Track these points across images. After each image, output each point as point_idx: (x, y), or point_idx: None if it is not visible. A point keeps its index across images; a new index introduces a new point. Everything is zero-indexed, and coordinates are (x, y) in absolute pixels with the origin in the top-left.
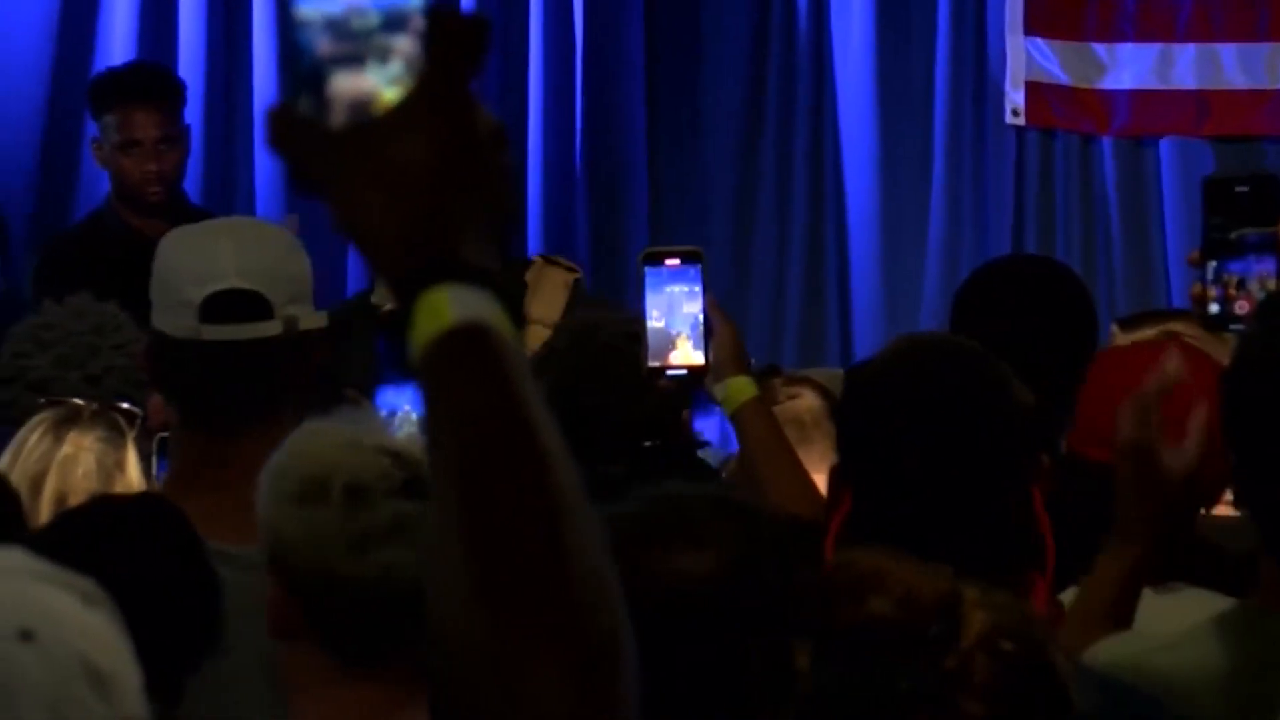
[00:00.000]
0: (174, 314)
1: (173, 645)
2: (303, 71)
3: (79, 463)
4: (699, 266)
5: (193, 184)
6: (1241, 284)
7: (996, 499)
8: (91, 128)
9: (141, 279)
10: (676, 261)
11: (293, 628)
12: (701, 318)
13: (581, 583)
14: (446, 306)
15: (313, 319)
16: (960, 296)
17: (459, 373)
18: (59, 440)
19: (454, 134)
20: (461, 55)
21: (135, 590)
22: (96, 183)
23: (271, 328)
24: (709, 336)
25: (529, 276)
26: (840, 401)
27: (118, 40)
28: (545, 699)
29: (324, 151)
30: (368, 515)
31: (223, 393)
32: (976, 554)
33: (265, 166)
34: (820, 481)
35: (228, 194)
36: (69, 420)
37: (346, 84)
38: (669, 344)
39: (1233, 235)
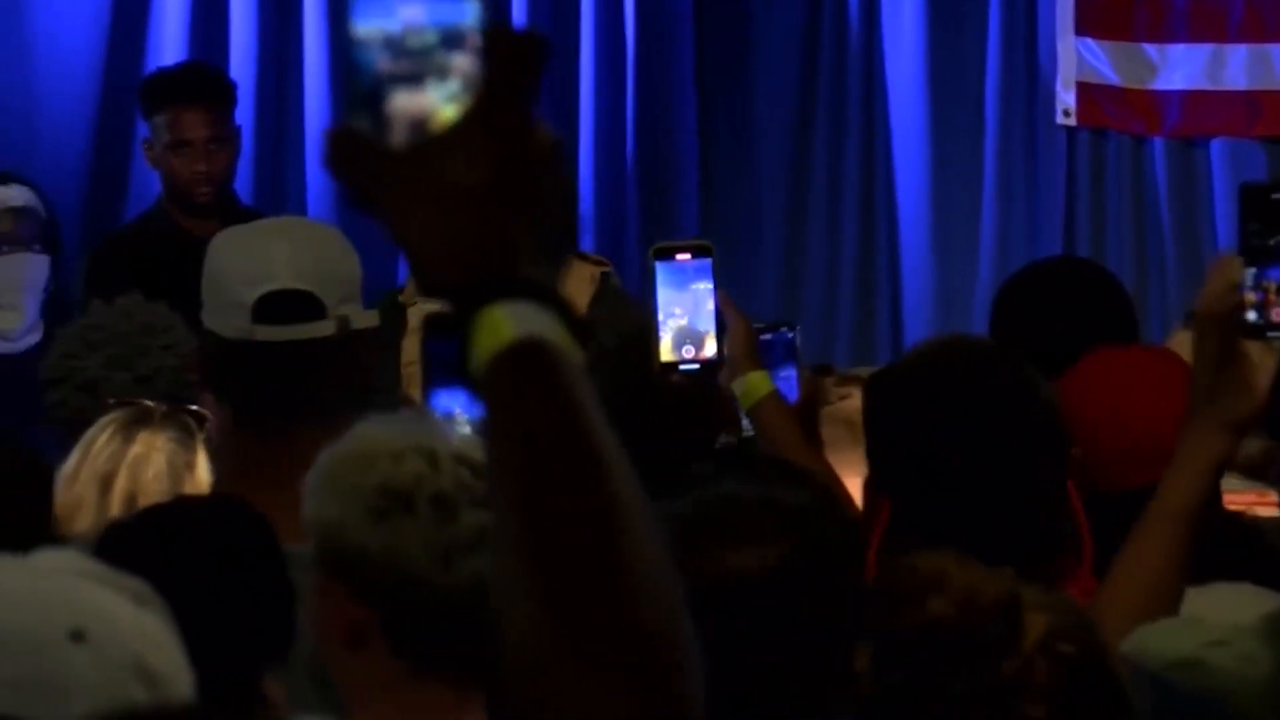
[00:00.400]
0: (226, 314)
1: (251, 648)
2: (362, 90)
3: (150, 463)
4: (709, 260)
5: (243, 185)
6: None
7: (1031, 494)
8: (143, 128)
9: (192, 279)
10: (687, 256)
11: (365, 638)
12: (713, 311)
13: (645, 592)
14: (506, 323)
15: (365, 318)
16: (999, 297)
17: (519, 389)
18: (129, 440)
19: (512, 152)
20: (519, 73)
21: (215, 593)
22: (147, 184)
23: (324, 328)
24: (721, 331)
25: None
26: (866, 411)
27: (169, 42)
28: (611, 706)
29: (382, 171)
30: (453, 527)
31: (276, 393)
32: (1013, 548)
33: (316, 168)
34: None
35: (278, 195)
36: (139, 421)
37: (406, 102)
38: (681, 338)
39: (1271, 242)
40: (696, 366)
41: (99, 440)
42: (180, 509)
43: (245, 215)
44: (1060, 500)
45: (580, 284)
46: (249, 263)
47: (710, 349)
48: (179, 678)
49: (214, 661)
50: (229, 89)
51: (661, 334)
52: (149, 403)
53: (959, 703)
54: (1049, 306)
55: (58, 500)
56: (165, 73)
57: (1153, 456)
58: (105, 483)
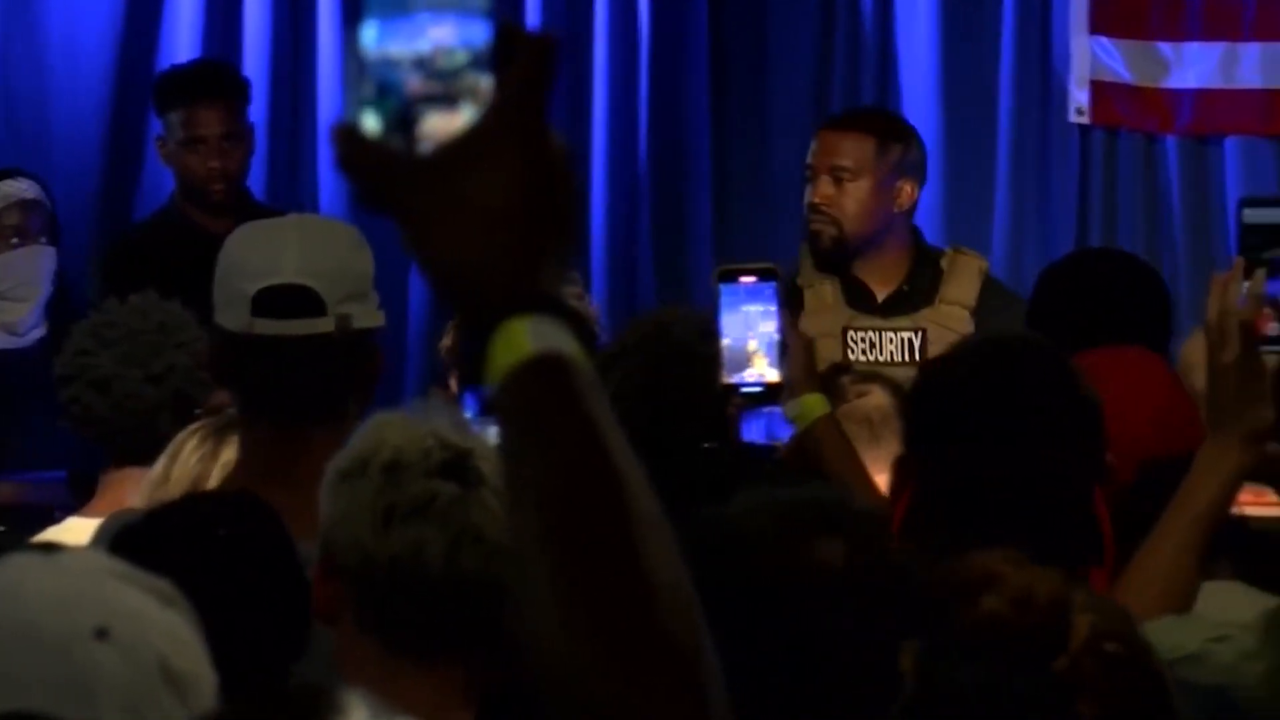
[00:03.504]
0: (232, 308)
1: (263, 648)
2: (392, 110)
3: None
4: (774, 284)
5: (256, 183)
6: (1276, 305)
7: (1059, 495)
8: (156, 126)
9: (207, 277)
10: (752, 279)
11: (334, 610)
12: (777, 335)
13: (668, 606)
14: (524, 338)
15: (370, 318)
16: (1043, 281)
17: (537, 403)
18: (221, 444)
19: (531, 163)
20: (534, 78)
21: (229, 590)
22: (160, 181)
23: (324, 324)
24: (784, 353)
25: None
26: (910, 395)
27: (183, 39)
28: (648, 715)
29: (398, 177)
30: (396, 492)
31: (278, 387)
32: (1035, 548)
33: (329, 166)
34: (884, 482)
35: (292, 193)
36: (227, 427)
37: (440, 123)
38: (745, 360)
39: (1265, 255)
40: (759, 389)
41: (188, 446)
42: (192, 505)
43: (260, 212)
44: (1087, 501)
45: None
46: (256, 257)
47: (772, 371)
48: (203, 677)
49: (232, 657)
50: (243, 86)
51: (725, 355)
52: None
53: (1011, 701)
54: (1091, 294)
55: (144, 504)
56: (179, 70)
57: (1126, 457)
58: (196, 487)
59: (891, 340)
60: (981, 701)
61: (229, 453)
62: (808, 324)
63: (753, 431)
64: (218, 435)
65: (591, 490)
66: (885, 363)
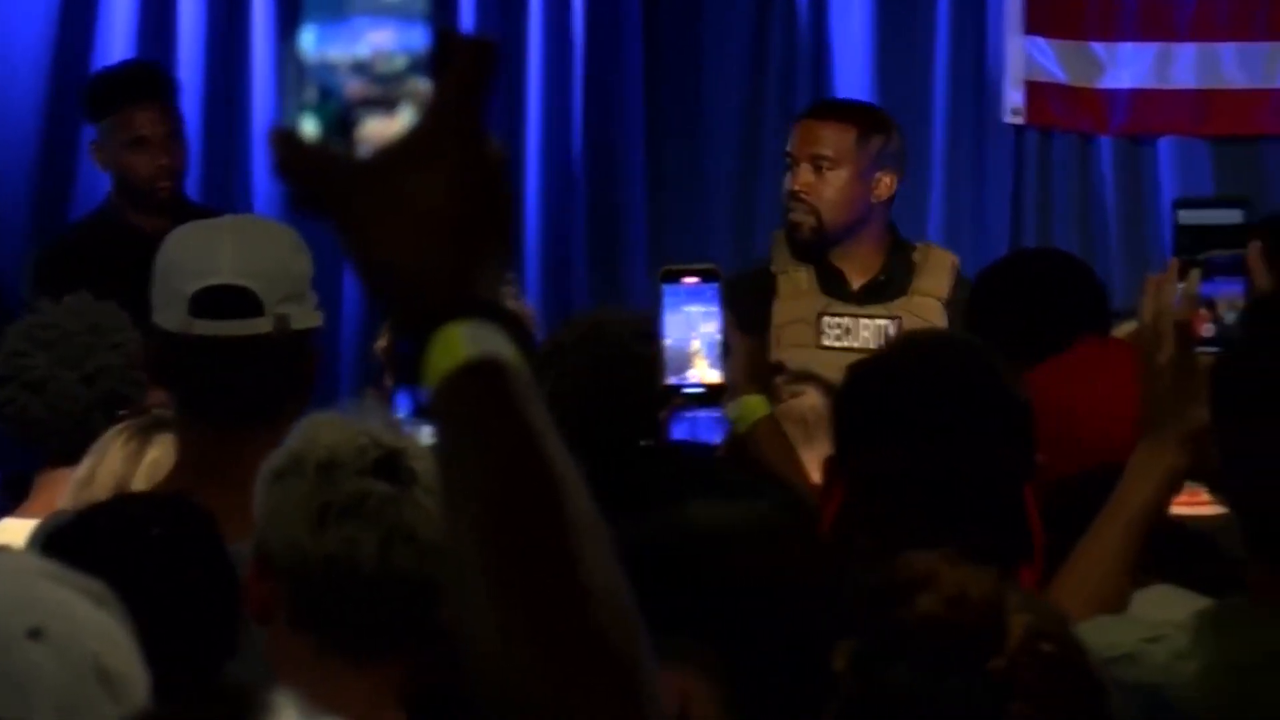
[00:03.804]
0: (170, 308)
1: (194, 647)
2: (331, 114)
3: (167, 467)
4: (716, 285)
5: (192, 185)
6: (1211, 306)
7: (988, 494)
8: (89, 132)
9: (142, 278)
10: (694, 280)
11: (268, 610)
12: (719, 336)
13: (600, 608)
14: (461, 342)
15: (308, 318)
16: (979, 284)
17: (474, 408)
18: (146, 444)
19: (468, 167)
20: (472, 82)
21: (155, 591)
22: (96, 183)
23: (262, 325)
24: (726, 354)
25: None
26: (838, 395)
27: (117, 42)
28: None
29: (335, 181)
30: (331, 490)
31: (216, 388)
32: (965, 546)
33: (264, 168)
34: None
35: (227, 195)
36: (156, 426)
37: (379, 127)
38: (687, 361)
39: (1200, 257)
40: (701, 389)
41: (113, 446)
42: (123, 506)
43: (197, 213)
44: (1017, 499)
45: None
46: (194, 257)
47: (714, 372)
48: (136, 677)
49: (163, 657)
50: (175, 84)
51: (667, 356)
52: (162, 410)
53: (947, 702)
54: (1029, 295)
55: (71, 504)
56: (112, 73)
57: (1092, 446)
58: (121, 487)
59: (866, 328)
60: (917, 702)
61: (154, 452)
62: (781, 310)
63: (678, 434)
64: (142, 435)
65: (528, 494)
66: (859, 349)
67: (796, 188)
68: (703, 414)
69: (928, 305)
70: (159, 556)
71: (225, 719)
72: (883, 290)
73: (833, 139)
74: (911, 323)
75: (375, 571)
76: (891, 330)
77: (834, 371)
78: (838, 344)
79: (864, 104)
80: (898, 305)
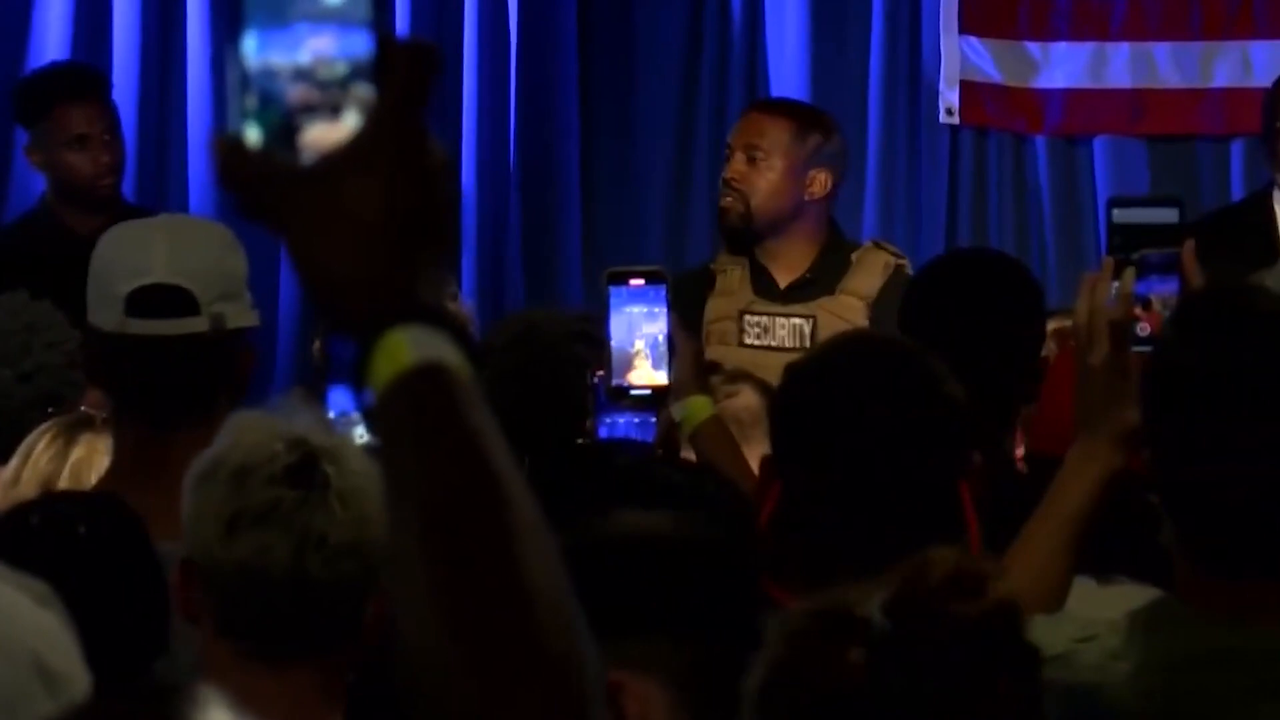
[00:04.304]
0: (105, 308)
1: (122, 646)
2: (274, 121)
3: (92, 466)
4: (663, 286)
5: (126, 186)
6: (1146, 305)
7: (923, 494)
8: (21, 135)
9: (77, 278)
10: (640, 281)
11: (192, 610)
12: (663, 338)
13: (547, 617)
14: (405, 348)
15: (243, 317)
16: (913, 286)
17: (418, 413)
18: (71, 444)
19: (411, 173)
20: (413, 88)
21: (82, 590)
22: (29, 183)
23: (197, 324)
24: (672, 356)
25: None
26: (775, 396)
27: (51, 45)
28: None
29: (278, 188)
30: (242, 497)
31: (152, 387)
32: (899, 548)
33: (199, 170)
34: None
35: (162, 197)
36: (80, 425)
37: (322, 134)
38: (629, 363)
39: (1134, 256)
40: (647, 392)
41: (39, 446)
42: (51, 505)
43: (132, 213)
44: (952, 499)
45: None
46: (128, 257)
47: (660, 374)
48: (77, 677)
49: (91, 656)
50: (109, 83)
51: (613, 358)
52: (90, 410)
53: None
54: (961, 300)
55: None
56: (46, 74)
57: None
58: (47, 486)
59: (783, 327)
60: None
61: (79, 452)
62: (712, 307)
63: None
64: (68, 434)
65: (471, 499)
66: (777, 348)
67: (728, 175)
68: (623, 417)
69: (850, 304)
70: (85, 555)
71: (153, 714)
72: (808, 289)
73: (769, 131)
74: (827, 321)
75: (287, 578)
76: (807, 329)
77: (757, 371)
78: (757, 342)
79: (807, 104)
80: (819, 304)
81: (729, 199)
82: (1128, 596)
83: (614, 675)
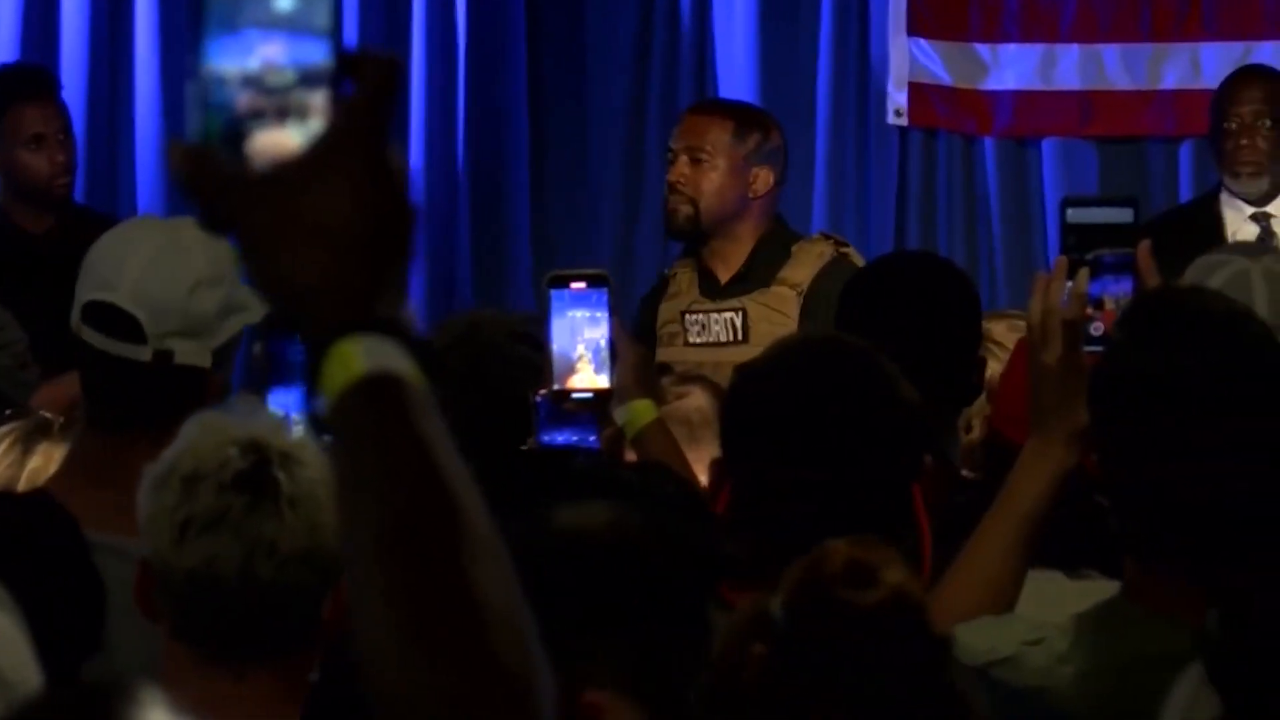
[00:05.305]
0: (75, 305)
1: (53, 644)
2: (221, 127)
3: (49, 474)
4: (605, 290)
5: (76, 185)
6: (1100, 305)
7: (875, 496)
8: None
9: (29, 278)
10: (582, 285)
11: (151, 609)
12: (605, 341)
13: (499, 627)
14: (358, 357)
15: (195, 356)
16: (846, 294)
17: (370, 423)
18: (28, 451)
19: (372, 184)
20: (376, 100)
21: (13, 587)
22: None
23: (140, 353)
24: (615, 360)
25: None
26: (725, 398)
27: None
28: None
29: (238, 194)
30: (192, 504)
31: (99, 394)
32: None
33: (147, 170)
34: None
35: (111, 199)
36: (38, 431)
37: (268, 139)
38: (573, 367)
39: (1088, 256)
40: (590, 395)
41: None
42: None
43: (83, 214)
44: (905, 501)
45: None
46: (104, 266)
47: (603, 378)
48: (29, 680)
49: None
50: (59, 82)
51: (554, 362)
52: (47, 414)
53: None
54: (894, 303)
55: None
56: None
57: None
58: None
59: (718, 321)
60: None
61: (36, 461)
62: (662, 311)
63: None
64: (25, 442)
65: (423, 510)
66: (715, 344)
67: (673, 179)
68: (561, 435)
69: (782, 295)
70: (15, 554)
71: (91, 711)
72: (744, 283)
73: (709, 132)
74: (757, 312)
75: (238, 584)
76: (738, 322)
77: (701, 368)
78: (699, 340)
79: (746, 103)
80: (751, 297)
81: (675, 201)
82: (1096, 590)
83: (591, 696)
